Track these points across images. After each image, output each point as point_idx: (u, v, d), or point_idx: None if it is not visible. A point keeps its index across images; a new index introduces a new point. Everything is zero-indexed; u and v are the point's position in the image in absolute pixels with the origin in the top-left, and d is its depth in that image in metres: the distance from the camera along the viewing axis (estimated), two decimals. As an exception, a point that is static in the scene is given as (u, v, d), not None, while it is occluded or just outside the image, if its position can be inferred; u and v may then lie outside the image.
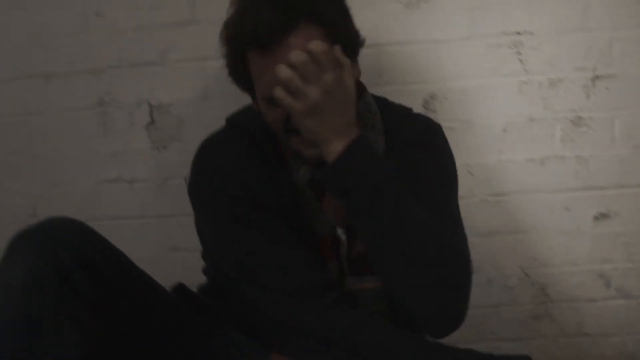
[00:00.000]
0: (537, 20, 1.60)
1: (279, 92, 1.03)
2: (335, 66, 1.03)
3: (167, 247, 1.72)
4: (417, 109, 1.60)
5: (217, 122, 1.23)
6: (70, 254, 1.00)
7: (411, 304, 1.07)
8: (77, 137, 1.71)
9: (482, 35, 1.60)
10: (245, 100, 1.19)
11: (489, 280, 1.69)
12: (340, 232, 1.18)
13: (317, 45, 1.01)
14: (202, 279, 1.31)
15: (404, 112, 1.29)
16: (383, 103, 1.28)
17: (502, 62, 1.61)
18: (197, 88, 1.66)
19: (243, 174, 1.14)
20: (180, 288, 1.27)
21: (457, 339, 1.71)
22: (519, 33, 1.60)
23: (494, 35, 1.60)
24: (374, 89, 1.60)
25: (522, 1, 1.59)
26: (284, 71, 1.01)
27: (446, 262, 1.05)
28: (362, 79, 1.55)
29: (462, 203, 1.62)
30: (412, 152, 1.18)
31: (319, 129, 1.05)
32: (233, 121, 1.24)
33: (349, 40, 1.11)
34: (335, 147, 1.05)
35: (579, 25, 1.60)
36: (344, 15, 1.13)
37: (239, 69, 1.13)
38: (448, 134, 1.58)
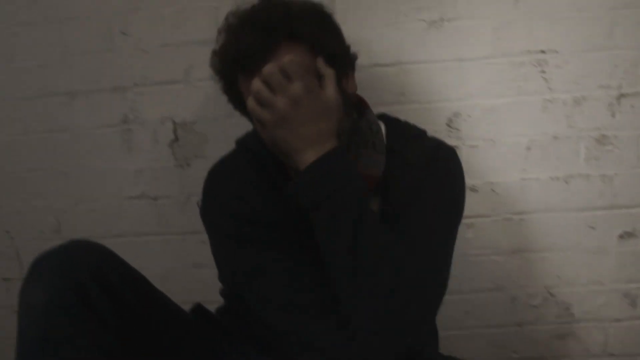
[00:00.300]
0: (562, 39, 1.59)
1: (250, 103, 1.06)
2: (311, 77, 1.05)
3: (189, 263, 1.72)
4: (441, 127, 1.62)
5: (241, 140, 1.24)
6: (89, 275, 1.03)
7: (355, 320, 1.05)
8: (102, 154, 1.73)
9: (506, 53, 1.59)
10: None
11: (512, 299, 1.67)
12: None
13: (286, 57, 1.04)
14: (223, 295, 1.32)
15: (415, 134, 1.28)
16: (394, 123, 1.28)
17: (526, 80, 1.60)
18: (220, 105, 1.66)
19: (249, 195, 1.17)
20: (199, 308, 1.29)
21: (480, 357, 1.71)
22: (543, 51, 1.59)
23: (518, 54, 1.59)
24: (397, 107, 1.63)
25: (546, 20, 1.58)
26: (254, 83, 1.04)
27: (396, 291, 1.03)
28: (385, 97, 1.57)
29: (486, 221, 1.65)
30: (412, 174, 1.17)
31: (289, 139, 1.06)
32: (241, 143, 1.27)
33: (335, 54, 1.13)
34: (306, 158, 1.06)
35: (604, 44, 1.59)
36: (329, 31, 1.15)
37: (233, 93, 1.17)
38: (471, 152, 1.61)
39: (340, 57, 1.14)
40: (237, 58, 1.10)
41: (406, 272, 1.03)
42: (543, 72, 1.60)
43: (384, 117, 1.29)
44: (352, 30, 1.62)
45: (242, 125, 1.34)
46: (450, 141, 1.59)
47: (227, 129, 1.67)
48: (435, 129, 1.60)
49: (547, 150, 1.62)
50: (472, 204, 1.62)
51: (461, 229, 1.57)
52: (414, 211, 1.13)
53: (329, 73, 1.07)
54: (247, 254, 1.14)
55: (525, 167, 1.63)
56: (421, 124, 1.46)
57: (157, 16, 1.70)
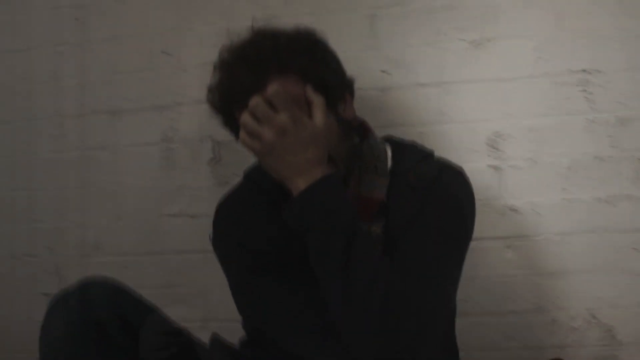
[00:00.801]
0: (605, 58, 1.58)
1: (241, 135, 1.09)
2: (300, 105, 1.08)
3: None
4: (482, 147, 1.62)
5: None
6: (107, 309, 1.11)
7: (350, 344, 1.07)
8: (142, 171, 1.75)
9: (548, 73, 1.58)
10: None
11: (553, 321, 1.64)
12: None
13: (271, 88, 1.06)
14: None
15: (420, 156, 1.27)
16: (399, 145, 1.28)
17: (567, 99, 1.59)
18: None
19: (255, 224, 1.20)
20: (216, 341, 1.30)
21: (519, 380, 1.69)
22: (585, 71, 1.58)
23: (560, 73, 1.58)
24: (437, 127, 1.62)
25: (589, 39, 1.58)
26: (242, 116, 1.07)
27: (387, 316, 1.03)
28: (426, 116, 1.57)
29: (526, 241, 1.63)
30: (414, 197, 1.17)
31: (279, 168, 1.09)
32: (246, 174, 1.31)
33: (326, 81, 1.15)
34: (296, 186, 1.08)
35: (648, 63, 1.59)
36: (318, 59, 1.17)
37: (232, 127, 1.19)
38: (512, 172, 1.59)
39: (332, 83, 1.16)
40: (231, 94, 1.14)
41: (397, 296, 1.04)
42: (585, 91, 1.58)
43: (389, 140, 1.30)
44: (393, 50, 1.65)
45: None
46: (490, 161, 1.60)
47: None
48: (476, 149, 1.59)
49: (589, 170, 1.60)
50: (512, 224, 1.61)
51: (501, 249, 1.58)
52: (413, 235, 1.14)
53: (317, 100, 1.10)
54: (257, 283, 1.17)
55: (567, 187, 1.61)
56: (461, 144, 1.47)
57: (197, 36, 1.74)
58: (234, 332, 1.29)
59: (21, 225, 1.85)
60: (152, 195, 1.73)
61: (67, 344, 1.07)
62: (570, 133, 1.60)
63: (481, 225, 1.48)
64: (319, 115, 1.09)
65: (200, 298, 1.73)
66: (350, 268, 1.04)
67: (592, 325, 1.66)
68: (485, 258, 1.62)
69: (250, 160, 1.71)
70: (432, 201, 1.17)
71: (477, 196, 1.45)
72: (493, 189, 1.60)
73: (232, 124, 1.18)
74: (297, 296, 1.14)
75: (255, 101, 1.06)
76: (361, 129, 1.24)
